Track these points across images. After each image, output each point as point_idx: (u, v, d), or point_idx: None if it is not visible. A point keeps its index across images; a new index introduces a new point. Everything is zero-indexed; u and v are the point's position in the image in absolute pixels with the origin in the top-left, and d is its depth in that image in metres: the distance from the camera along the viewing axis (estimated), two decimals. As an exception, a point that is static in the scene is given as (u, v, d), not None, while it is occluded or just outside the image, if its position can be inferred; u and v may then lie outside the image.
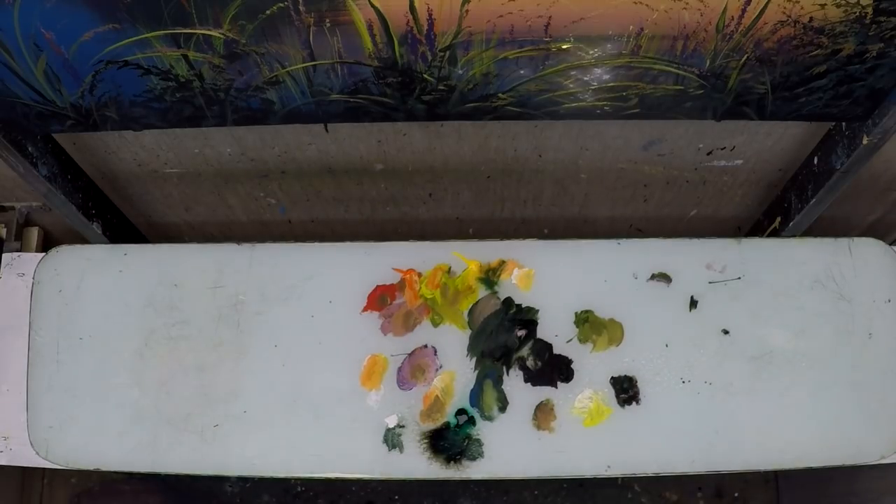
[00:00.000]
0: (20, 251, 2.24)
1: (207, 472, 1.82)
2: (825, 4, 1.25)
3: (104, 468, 1.83)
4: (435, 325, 1.89)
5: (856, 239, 1.92)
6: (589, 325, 1.89)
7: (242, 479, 3.17)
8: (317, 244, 1.98)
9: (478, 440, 1.78)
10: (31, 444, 1.86)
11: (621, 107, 1.53)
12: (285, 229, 2.57)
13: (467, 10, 1.27)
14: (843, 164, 1.74)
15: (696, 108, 1.54)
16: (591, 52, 1.36)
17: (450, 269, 1.93)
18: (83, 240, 2.14)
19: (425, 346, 1.84)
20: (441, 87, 1.46)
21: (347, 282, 1.92)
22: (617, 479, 3.00)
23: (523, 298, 1.91)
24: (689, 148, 2.07)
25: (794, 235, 2.14)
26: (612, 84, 1.46)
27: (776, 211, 2.24)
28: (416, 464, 1.78)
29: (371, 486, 3.15)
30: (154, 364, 1.91)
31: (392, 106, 1.52)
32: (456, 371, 1.84)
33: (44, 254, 2.02)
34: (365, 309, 1.89)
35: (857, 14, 1.26)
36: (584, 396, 1.82)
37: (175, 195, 2.34)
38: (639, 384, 1.82)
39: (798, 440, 1.85)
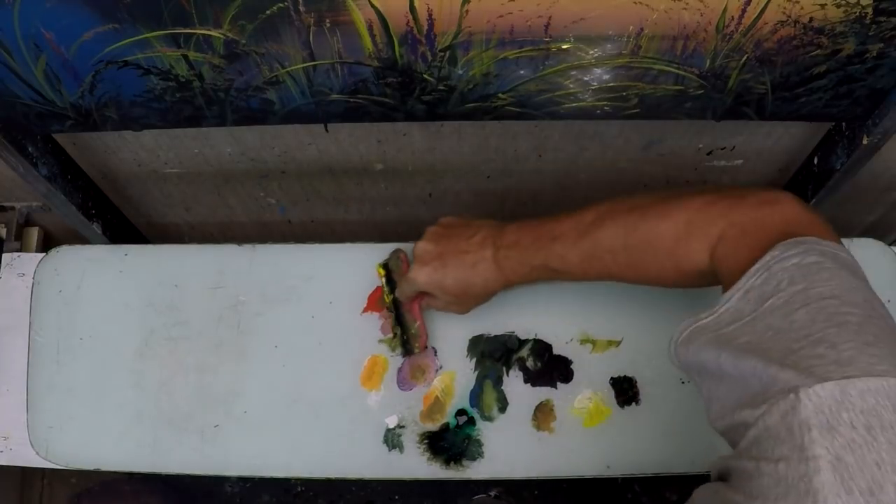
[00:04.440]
0: (20, 251, 2.23)
1: (207, 473, 1.81)
2: (825, 4, 1.24)
3: (104, 468, 1.83)
4: (435, 325, 1.88)
5: (856, 239, 1.91)
6: (589, 325, 1.89)
7: (242, 479, 3.17)
8: (317, 244, 1.97)
9: (478, 440, 1.77)
10: (31, 444, 1.86)
11: (621, 107, 1.53)
12: (285, 229, 2.56)
13: (467, 11, 1.26)
14: (843, 164, 1.73)
15: (696, 108, 1.54)
16: (591, 52, 1.36)
17: (450, 269, 1.92)
18: (83, 240, 2.13)
19: (425, 347, 1.83)
20: (441, 88, 1.45)
21: (348, 282, 1.92)
22: (617, 479, 2.99)
23: (523, 298, 1.91)
24: (689, 148, 2.07)
25: (794, 235, 2.14)
26: (612, 84, 1.45)
27: (776, 211, 2.23)
28: (416, 464, 1.78)
29: (371, 486, 3.15)
30: (154, 364, 1.90)
31: (392, 106, 1.52)
32: (456, 371, 1.84)
33: (44, 254, 2.02)
34: (365, 310, 1.89)
35: (857, 14, 1.25)
36: (584, 397, 1.82)
37: (175, 195, 2.34)
38: (639, 384, 1.82)
39: (798, 440, 1.85)
